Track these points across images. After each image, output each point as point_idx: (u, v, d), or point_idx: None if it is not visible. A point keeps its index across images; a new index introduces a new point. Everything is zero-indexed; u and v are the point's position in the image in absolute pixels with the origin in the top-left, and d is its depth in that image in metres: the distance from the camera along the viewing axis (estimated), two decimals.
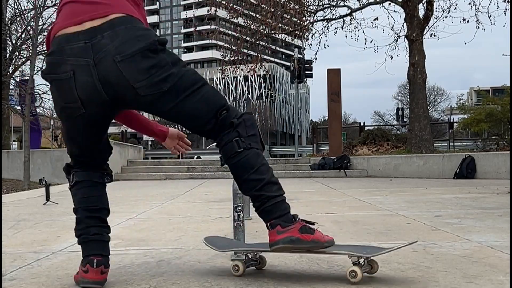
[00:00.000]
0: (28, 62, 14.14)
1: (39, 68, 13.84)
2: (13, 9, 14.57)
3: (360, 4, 14.75)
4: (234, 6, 16.06)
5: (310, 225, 1.86)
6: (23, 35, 14.77)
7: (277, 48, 74.55)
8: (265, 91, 69.40)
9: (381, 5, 14.55)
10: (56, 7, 14.07)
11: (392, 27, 18.23)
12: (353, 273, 1.83)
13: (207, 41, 69.38)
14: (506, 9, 13.71)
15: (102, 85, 1.73)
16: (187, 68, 1.86)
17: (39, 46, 13.73)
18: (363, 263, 1.86)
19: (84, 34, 1.73)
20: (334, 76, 14.02)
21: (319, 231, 1.87)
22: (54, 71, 1.77)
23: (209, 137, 1.95)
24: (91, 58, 1.71)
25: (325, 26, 15.23)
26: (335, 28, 15.44)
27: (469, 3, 13.95)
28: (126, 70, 1.71)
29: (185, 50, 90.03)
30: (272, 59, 68.31)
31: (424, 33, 13.17)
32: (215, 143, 1.94)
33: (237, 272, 2.02)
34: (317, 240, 1.83)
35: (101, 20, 1.74)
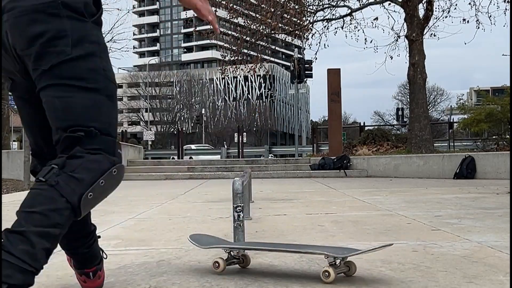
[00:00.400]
0: None
1: None
2: None
3: (360, 4, 14.76)
4: (234, 6, 16.05)
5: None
6: None
7: (277, 48, 74.58)
8: (265, 91, 69.40)
9: (381, 5, 14.55)
10: None
11: (392, 27, 18.23)
12: (326, 273, 1.88)
13: (207, 41, 69.40)
14: (506, 9, 13.71)
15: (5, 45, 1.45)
16: (90, 60, 1.42)
17: None
18: (338, 264, 1.91)
19: None
20: (334, 76, 14.02)
21: None
22: None
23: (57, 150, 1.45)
24: None
25: (325, 26, 15.24)
26: (335, 28, 15.44)
27: (469, 3, 13.95)
28: (15, 30, 1.39)
29: (185, 50, 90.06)
30: (272, 59, 68.32)
31: (424, 33, 13.16)
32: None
33: (217, 268, 2.08)
34: None
35: None
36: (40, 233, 1.30)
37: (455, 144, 18.66)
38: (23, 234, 1.30)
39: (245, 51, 16.33)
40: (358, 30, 15.39)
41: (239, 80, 69.05)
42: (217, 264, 2.08)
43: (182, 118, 63.48)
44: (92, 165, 1.38)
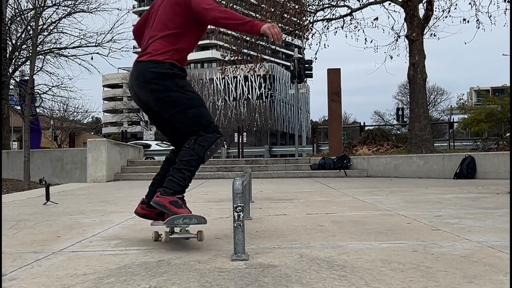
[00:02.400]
0: (28, 62, 14.13)
1: (39, 68, 13.86)
2: (13, 9, 14.57)
3: (360, 4, 14.76)
4: (234, 6, 16.05)
5: (181, 203, 2.69)
6: (23, 35, 14.77)
7: (277, 48, 74.55)
8: (265, 91, 69.38)
9: (381, 5, 14.55)
10: (56, 7, 14.10)
11: (392, 27, 18.28)
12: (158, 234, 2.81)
13: (207, 41, 69.38)
14: (506, 9, 13.71)
15: (135, 99, 2.98)
16: (186, 94, 2.79)
17: (39, 46, 13.74)
18: (179, 231, 2.74)
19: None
20: (334, 76, 14.02)
21: (188, 210, 2.68)
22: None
23: (184, 138, 2.81)
24: (130, 83, 2.97)
25: (325, 26, 15.23)
26: (335, 28, 15.45)
27: (469, 3, 13.95)
28: (139, 91, 2.87)
29: None
30: (272, 59, 68.30)
31: (424, 33, 13.16)
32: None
33: (152, 238, 2.90)
34: (178, 214, 2.63)
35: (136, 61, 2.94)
36: (186, 169, 2.74)
37: (455, 144, 18.67)
38: (179, 169, 2.74)
39: (245, 51, 16.33)
40: (358, 30, 15.42)
41: (239, 80, 69.04)
42: (152, 235, 2.87)
43: None
44: (208, 139, 2.77)
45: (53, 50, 14.73)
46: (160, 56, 2.79)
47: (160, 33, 2.83)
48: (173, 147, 3.04)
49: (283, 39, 21.17)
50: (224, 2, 16.22)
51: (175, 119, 2.79)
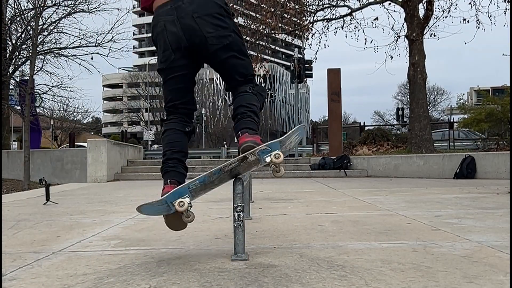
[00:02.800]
0: (28, 62, 14.13)
1: (39, 68, 13.87)
2: (13, 9, 14.58)
3: (360, 4, 14.77)
4: (234, 6, 16.04)
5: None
6: (23, 35, 14.78)
7: (277, 48, 74.55)
8: None
9: (381, 5, 14.55)
10: (56, 7, 14.12)
11: (392, 27, 18.26)
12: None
13: None
14: (506, 9, 13.72)
15: (184, 33, 2.45)
16: (242, 39, 2.62)
17: (39, 46, 13.74)
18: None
19: (171, 2, 2.48)
20: (334, 76, 14.03)
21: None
22: (155, 26, 2.53)
23: (234, 86, 2.60)
24: (175, 15, 2.45)
25: (325, 26, 15.24)
26: (335, 28, 15.45)
27: (469, 3, 13.96)
28: (201, 23, 2.45)
29: None
30: (272, 59, 68.25)
31: (424, 33, 13.17)
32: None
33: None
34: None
35: None
36: (258, 112, 2.53)
37: (455, 144, 18.66)
38: (255, 112, 2.50)
39: None
40: (358, 30, 15.43)
41: None
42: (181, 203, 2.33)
43: None
44: (263, 89, 2.69)
45: (53, 50, 14.74)
46: None
47: None
48: (174, 115, 2.63)
49: (283, 39, 21.18)
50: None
51: (231, 62, 2.52)
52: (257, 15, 15.76)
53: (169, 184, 2.46)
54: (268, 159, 2.25)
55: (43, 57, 14.33)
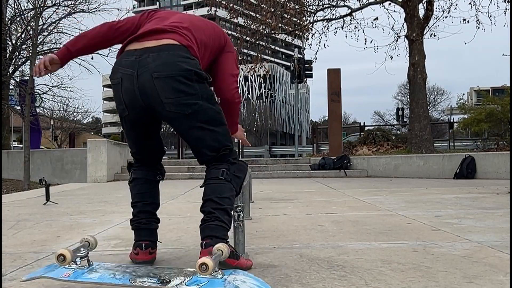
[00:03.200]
0: (28, 62, 14.13)
1: None
2: (13, 9, 14.57)
3: (360, 4, 14.76)
4: (234, 6, 16.05)
5: (236, 253, 2.11)
6: (23, 35, 14.78)
7: (277, 48, 74.55)
8: (265, 91, 69.38)
9: (381, 5, 14.55)
10: (56, 7, 14.11)
11: (392, 27, 18.31)
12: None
13: None
14: (506, 9, 13.72)
15: (140, 93, 2.07)
16: (214, 107, 2.15)
17: (39, 46, 13.74)
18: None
19: (138, 51, 2.10)
20: (334, 76, 14.02)
21: (243, 258, 2.17)
22: (112, 77, 2.17)
23: (204, 164, 2.21)
24: (135, 70, 2.06)
25: (325, 26, 15.24)
26: (335, 28, 15.47)
27: (469, 3, 13.96)
28: (159, 86, 2.04)
29: None
30: (272, 59, 68.29)
31: (424, 33, 13.16)
32: None
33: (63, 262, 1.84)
34: (240, 266, 2.05)
35: (155, 42, 2.10)
36: (230, 208, 2.12)
37: (455, 144, 18.66)
38: (225, 210, 2.08)
39: (245, 51, 16.33)
40: (358, 30, 15.44)
41: (239, 80, 69.02)
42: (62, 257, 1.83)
43: None
44: (242, 168, 2.21)
45: (53, 50, 14.72)
46: (193, 45, 2.14)
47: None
48: (137, 161, 2.39)
49: (283, 39, 21.19)
50: (224, 2, 16.22)
51: (196, 134, 2.12)
52: (257, 15, 15.76)
53: (144, 249, 2.27)
54: None
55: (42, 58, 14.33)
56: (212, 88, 2.30)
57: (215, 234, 2.02)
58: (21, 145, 22.65)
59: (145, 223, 2.31)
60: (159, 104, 2.06)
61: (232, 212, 2.15)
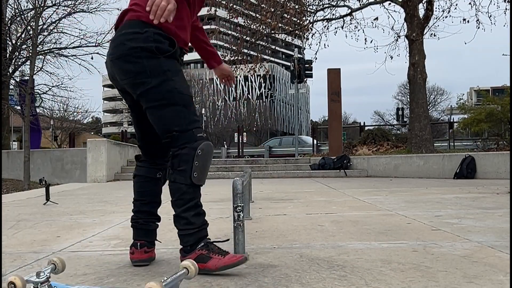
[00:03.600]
0: (28, 62, 14.13)
1: (39, 68, 13.86)
2: (13, 9, 14.58)
3: (360, 4, 14.76)
4: (234, 6, 16.05)
5: (206, 252, 2.05)
6: (23, 35, 14.78)
7: (277, 48, 74.58)
8: (265, 91, 69.41)
9: (381, 5, 14.55)
10: (56, 7, 14.12)
11: (392, 27, 18.30)
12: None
13: None
14: (506, 9, 13.72)
15: (111, 78, 2.18)
16: (165, 84, 2.03)
17: (39, 46, 13.74)
18: None
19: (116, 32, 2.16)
20: (334, 76, 14.02)
21: (217, 257, 2.04)
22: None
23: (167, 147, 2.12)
24: (108, 57, 2.15)
25: (325, 26, 15.24)
26: (335, 28, 15.46)
27: (469, 3, 13.96)
28: (115, 68, 2.10)
29: None
30: (272, 59, 68.32)
31: (424, 33, 13.17)
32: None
33: None
34: (208, 269, 2.03)
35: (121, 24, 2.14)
36: (184, 209, 2.05)
37: (455, 144, 18.66)
38: (178, 216, 2.07)
39: (245, 51, 16.32)
40: (358, 30, 15.47)
41: (239, 80, 69.04)
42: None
43: None
44: (185, 157, 2.02)
45: (53, 50, 14.74)
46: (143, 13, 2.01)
47: None
48: (144, 156, 2.40)
49: (283, 39, 21.18)
50: (224, 2, 16.22)
51: (151, 117, 2.09)
52: (257, 15, 15.75)
53: (139, 248, 2.28)
54: None
55: (43, 57, 14.33)
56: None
57: (182, 240, 2.10)
58: (17, 146, 22.65)
59: (142, 223, 2.31)
60: (122, 86, 2.14)
61: (188, 212, 2.06)
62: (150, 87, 2.02)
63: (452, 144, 18.69)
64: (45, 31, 14.15)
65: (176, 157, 2.04)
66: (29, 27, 14.03)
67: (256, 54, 16.74)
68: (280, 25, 15.54)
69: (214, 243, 2.11)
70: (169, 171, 2.07)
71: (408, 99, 15.47)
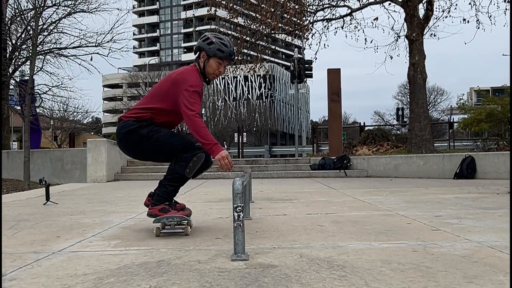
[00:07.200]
0: (28, 62, 14.13)
1: (39, 68, 13.86)
2: (13, 9, 14.56)
3: (360, 4, 14.75)
4: (234, 6, 16.03)
5: (168, 207, 3.21)
6: (23, 35, 14.77)
7: (277, 48, 74.56)
8: (265, 91, 69.40)
9: (381, 5, 14.54)
10: (56, 7, 14.11)
11: (392, 27, 18.22)
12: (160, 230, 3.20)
13: None
14: (506, 9, 13.70)
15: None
16: (151, 141, 3.23)
17: (39, 46, 13.74)
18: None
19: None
20: (334, 76, 14.01)
21: (175, 211, 3.22)
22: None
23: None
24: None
25: (325, 26, 15.22)
26: (335, 28, 15.44)
27: (469, 3, 13.94)
28: (124, 140, 3.36)
29: (185, 50, 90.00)
30: (272, 59, 68.32)
31: (424, 33, 13.16)
32: None
33: (154, 234, 3.18)
34: (170, 216, 3.17)
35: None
36: (169, 184, 3.28)
37: (455, 144, 18.66)
38: (163, 185, 3.29)
39: (245, 51, 16.31)
40: (358, 30, 15.40)
41: (239, 80, 69.05)
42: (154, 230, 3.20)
43: None
44: (185, 159, 3.21)
45: (53, 50, 14.73)
46: (125, 116, 3.34)
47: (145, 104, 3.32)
48: None
49: (283, 39, 21.19)
50: (224, 2, 16.21)
51: (157, 159, 3.46)
52: (257, 15, 15.74)
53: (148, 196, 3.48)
54: None
55: (43, 57, 14.32)
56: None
57: (154, 199, 3.27)
58: (17, 146, 22.65)
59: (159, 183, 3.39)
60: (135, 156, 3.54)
61: (169, 186, 3.25)
62: (145, 147, 3.36)
63: (452, 144, 18.68)
64: (45, 31, 14.14)
65: (179, 157, 3.22)
66: (29, 27, 14.02)
67: (256, 54, 16.72)
68: (280, 25, 15.53)
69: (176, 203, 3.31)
70: (173, 162, 3.25)
71: (408, 99, 15.47)
